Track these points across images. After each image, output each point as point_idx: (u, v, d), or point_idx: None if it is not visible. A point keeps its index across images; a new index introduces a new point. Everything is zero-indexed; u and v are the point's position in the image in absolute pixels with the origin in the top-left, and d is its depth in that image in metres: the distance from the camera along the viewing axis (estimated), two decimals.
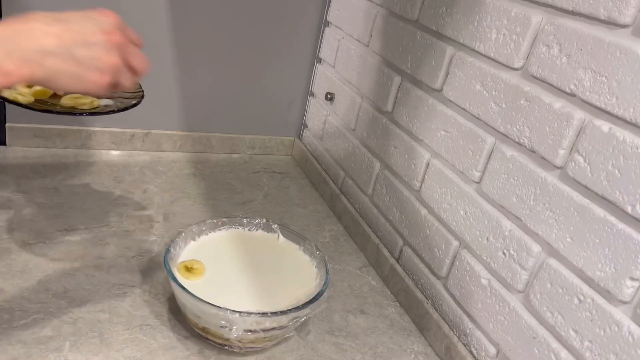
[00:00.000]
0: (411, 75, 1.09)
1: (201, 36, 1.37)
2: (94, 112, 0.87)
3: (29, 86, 0.87)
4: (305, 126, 1.59)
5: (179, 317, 0.90)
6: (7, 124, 1.30)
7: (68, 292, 0.91)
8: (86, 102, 0.88)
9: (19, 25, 0.60)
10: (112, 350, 0.81)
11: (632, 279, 0.67)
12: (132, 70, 0.68)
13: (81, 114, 0.87)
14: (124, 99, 0.93)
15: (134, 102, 0.91)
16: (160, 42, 1.34)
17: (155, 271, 1.00)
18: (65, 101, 0.88)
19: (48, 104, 0.87)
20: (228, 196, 1.31)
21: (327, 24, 1.46)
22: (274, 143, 1.59)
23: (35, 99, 0.86)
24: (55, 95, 0.90)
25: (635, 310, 0.67)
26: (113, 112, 0.88)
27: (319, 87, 1.50)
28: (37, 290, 0.90)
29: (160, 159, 1.42)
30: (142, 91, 0.95)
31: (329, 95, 1.43)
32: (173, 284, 0.81)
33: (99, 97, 0.72)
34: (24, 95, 0.85)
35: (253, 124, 1.54)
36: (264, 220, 1.01)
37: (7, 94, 0.83)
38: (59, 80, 0.61)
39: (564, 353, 0.75)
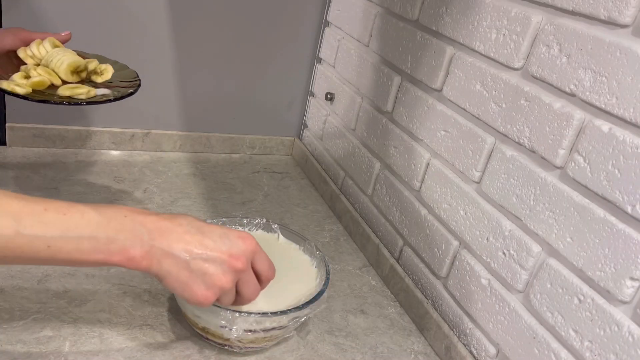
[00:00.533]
0: (411, 75, 1.09)
1: (201, 36, 1.37)
2: (90, 102, 0.87)
3: (27, 77, 0.87)
4: (305, 126, 1.59)
5: (179, 317, 0.90)
6: (7, 124, 1.30)
7: (68, 292, 0.91)
8: (82, 92, 0.88)
9: (165, 222, 0.66)
10: (112, 350, 0.81)
11: (632, 278, 0.67)
12: (242, 297, 0.73)
13: (78, 103, 0.86)
14: (120, 88, 0.93)
15: (131, 90, 0.91)
16: (160, 42, 1.34)
17: None
18: (62, 91, 0.88)
19: (45, 94, 0.86)
20: (228, 196, 1.31)
21: (327, 24, 1.46)
22: (274, 143, 1.59)
23: (32, 90, 0.86)
24: (53, 86, 0.90)
25: (635, 310, 0.67)
26: (110, 101, 0.88)
27: (319, 87, 1.50)
28: (37, 290, 0.90)
29: (160, 159, 1.42)
30: (139, 79, 0.95)
31: (329, 95, 1.43)
32: None
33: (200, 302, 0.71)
34: (21, 86, 0.85)
35: (253, 124, 1.54)
36: (264, 220, 1.01)
37: (4, 85, 0.83)
38: (168, 281, 0.66)
39: (564, 353, 0.75)
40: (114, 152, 1.40)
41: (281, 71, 1.50)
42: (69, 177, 1.24)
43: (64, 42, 0.97)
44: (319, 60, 1.51)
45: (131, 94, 0.90)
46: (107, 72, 0.95)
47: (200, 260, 0.66)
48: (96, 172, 1.28)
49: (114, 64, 1.00)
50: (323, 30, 1.47)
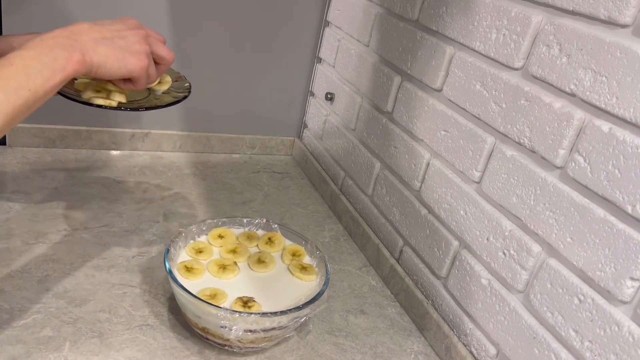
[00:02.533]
0: (411, 75, 1.09)
1: (201, 36, 1.37)
2: (150, 107, 0.89)
3: (98, 91, 0.85)
4: (305, 126, 1.59)
5: (179, 317, 0.90)
6: None
7: (68, 292, 0.91)
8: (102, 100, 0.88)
9: (70, 28, 0.73)
10: (112, 351, 0.82)
11: (632, 279, 0.67)
12: (160, 59, 0.82)
13: (161, 106, 0.91)
14: (175, 93, 0.94)
15: (186, 94, 0.95)
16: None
17: (155, 271, 1.00)
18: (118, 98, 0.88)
19: (133, 103, 0.89)
20: (228, 196, 1.31)
21: (327, 24, 1.46)
22: (274, 143, 1.59)
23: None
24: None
25: (636, 310, 0.67)
26: (173, 104, 0.92)
27: (319, 87, 1.51)
28: (37, 290, 0.90)
29: (160, 159, 1.42)
30: (189, 83, 0.97)
31: (329, 95, 1.43)
32: (173, 284, 0.81)
33: (145, 83, 0.82)
34: (113, 98, 0.84)
35: (253, 124, 1.55)
36: (264, 220, 1.01)
37: (100, 101, 0.84)
38: (110, 62, 0.74)
39: (564, 353, 0.75)
40: (114, 152, 1.40)
41: (281, 71, 1.50)
42: (69, 177, 1.24)
43: None
44: (319, 60, 1.51)
45: (185, 97, 0.94)
46: (166, 83, 0.95)
47: (118, 38, 0.76)
48: (96, 172, 1.28)
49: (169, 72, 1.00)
50: (323, 30, 1.47)
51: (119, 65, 0.75)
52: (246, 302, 0.83)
